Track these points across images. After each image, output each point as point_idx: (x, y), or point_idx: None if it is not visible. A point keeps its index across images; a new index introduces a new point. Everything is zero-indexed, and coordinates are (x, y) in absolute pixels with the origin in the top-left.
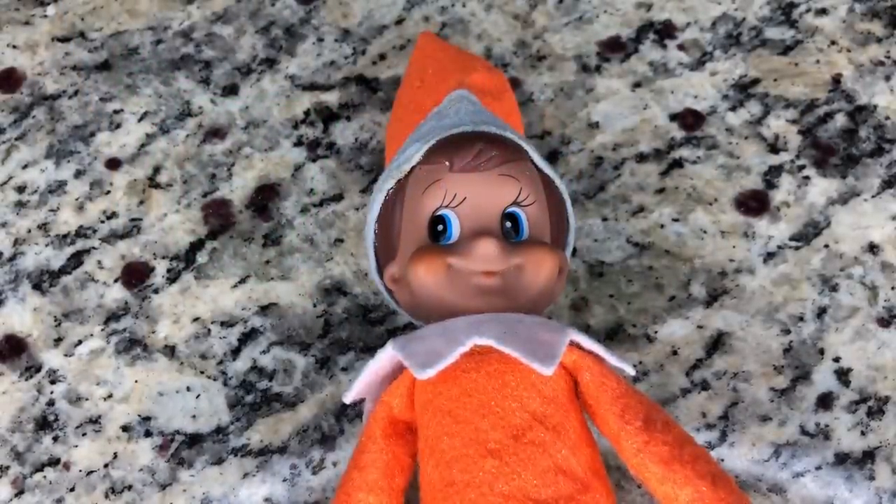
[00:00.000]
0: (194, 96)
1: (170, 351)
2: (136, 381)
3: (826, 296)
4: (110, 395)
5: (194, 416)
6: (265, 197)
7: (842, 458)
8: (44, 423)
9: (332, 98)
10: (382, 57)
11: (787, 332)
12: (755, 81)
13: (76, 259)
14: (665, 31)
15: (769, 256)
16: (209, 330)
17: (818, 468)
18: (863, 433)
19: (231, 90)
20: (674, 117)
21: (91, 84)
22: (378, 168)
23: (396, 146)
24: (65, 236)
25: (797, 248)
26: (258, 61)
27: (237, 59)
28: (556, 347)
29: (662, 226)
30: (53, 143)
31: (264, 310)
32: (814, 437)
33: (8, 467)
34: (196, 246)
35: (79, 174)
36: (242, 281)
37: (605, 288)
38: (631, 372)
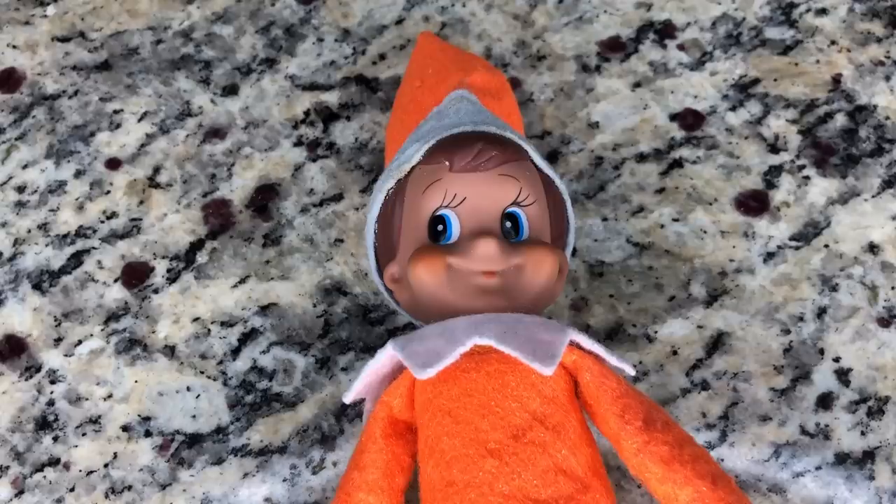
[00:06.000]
0: (194, 96)
1: (170, 351)
2: (136, 381)
3: (826, 296)
4: (110, 395)
5: (194, 416)
6: (265, 197)
7: (842, 458)
8: (44, 423)
9: (332, 98)
10: (382, 57)
11: (787, 332)
12: (755, 81)
13: (76, 259)
14: (665, 31)
15: (769, 256)
16: (209, 330)
17: (818, 468)
18: (863, 433)
19: (231, 90)
20: (674, 117)
21: (91, 84)
22: (378, 168)
23: (396, 146)
24: (65, 236)
25: (797, 248)
26: (258, 61)
27: (237, 59)
28: (556, 347)
29: (662, 226)
30: (53, 143)
31: (264, 310)
32: (814, 437)
33: (8, 467)
34: (196, 246)
35: (79, 174)
36: (242, 281)
37: (605, 288)
38: (631, 372)
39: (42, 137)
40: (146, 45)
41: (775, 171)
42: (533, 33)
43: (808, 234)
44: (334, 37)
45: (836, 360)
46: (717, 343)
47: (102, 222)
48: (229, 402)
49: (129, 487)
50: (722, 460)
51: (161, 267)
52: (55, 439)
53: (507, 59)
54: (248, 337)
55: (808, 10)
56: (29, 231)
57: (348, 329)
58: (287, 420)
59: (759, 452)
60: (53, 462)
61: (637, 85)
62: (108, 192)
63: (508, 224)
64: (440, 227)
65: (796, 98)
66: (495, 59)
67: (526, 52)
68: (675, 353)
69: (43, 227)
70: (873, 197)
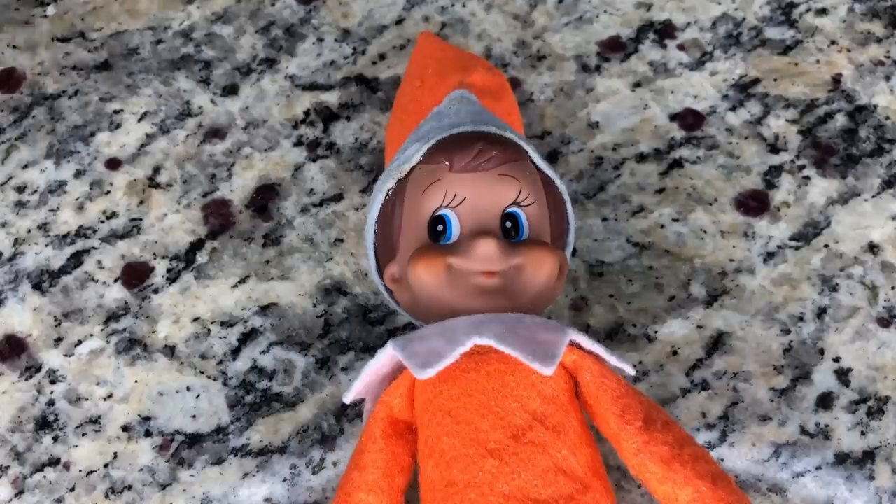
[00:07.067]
0: (194, 96)
1: (170, 351)
2: (136, 381)
3: (826, 296)
4: (110, 395)
5: (194, 416)
6: (265, 197)
7: (842, 458)
8: (44, 423)
9: (332, 98)
10: (382, 57)
11: (787, 332)
12: (755, 81)
13: (76, 259)
14: (665, 31)
15: (769, 256)
16: (209, 330)
17: (818, 468)
18: (863, 433)
19: (231, 90)
20: (674, 117)
21: (91, 84)
22: (378, 168)
23: (396, 146)
24: (65, 236)
25: (797, 248)
26: (258, 61)
27: (237, 59)
28: (556, 347)
29: (662, 226)
30: (53, 143)
31: (264, 310)
32: (814, 437)
33: (8, 467)
34: (196, 246)
35: (79, 174)
36: (242, 281)
37: (605, 288)
38: (631, 372)
39: (42, 137)
40: (146, 45)
41: (775, 171)
42: (533, 33)
43: (808, 234)
44: (334, 37)
45: (836, 360)
46: (717, 343)
47: (102, 222)
48: (229, 402)
49: (129, 487)
50: (722, 460)
51: (161, 267)
52: (55, 439)
53: (507, 59)
54: (248, 337)
55: (808, 10)
56: (29, 231)
57: (348, 329)
58: (287, 420)
59: (759, 452)
60: (53, 462)
61: (637, 85)
62: (108, 192)
63: (508, 224)
64: (440, 227)
65: (796, 98)
66: (495, 59)
67: (526, 52)
68: (675, 353)
69: (43, 227)
70: (873, 197)
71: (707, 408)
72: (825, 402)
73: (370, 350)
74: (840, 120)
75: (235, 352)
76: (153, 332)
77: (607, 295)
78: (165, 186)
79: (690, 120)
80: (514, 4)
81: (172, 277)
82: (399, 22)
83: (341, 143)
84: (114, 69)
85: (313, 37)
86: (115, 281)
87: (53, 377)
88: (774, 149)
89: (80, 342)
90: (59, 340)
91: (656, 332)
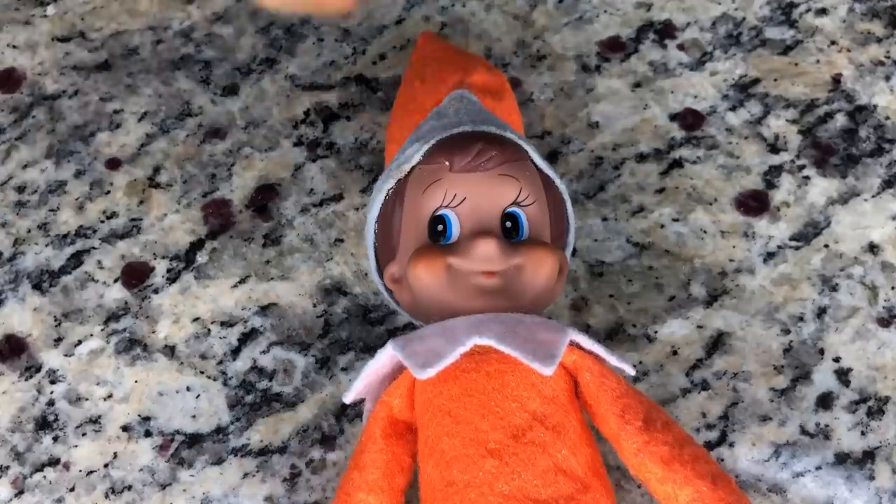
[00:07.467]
0: (194, 96)
1: (170, 351)
2: (136, 381)
3: (826, 296)
4: (110, 395)
5: (194, 416)
6: (265, 197)
7: (842, 458)
8: (44, 423)
9: (332, 98)
10: (382, 57)
11: (787, 332)
12: (755, 81)
13: (76, 259)
14: (665, 31)
15: (769, 256)
16: (209, 330)
17: (818, 468)
18: (863, 433)
19: (231, 90)
20: (674, 117)
21: (91, 84)
22: (378, 168)
23: (396, 146)
24: (65, 236)
25: (797, 248)
26: (258, 61)
27: (237, 59)
28: (556, 347)
29: (662, 226)
30: (53, 143)
31: (264, 310)
32: (814, 437)
33: (8, 467)
34: (196, 246)
35: (79, 174)
36: (242, 281)
37: (605, 288)
38: (631, 372)
39: (42, 137)
40: (146, 45)
41: (775, 171)
42: (533, 33)
43: (808, 234)
44: (334, 37)
45: (836, 360)
46: (717, 343)
47: (102, 222)
48: (229, 402)
49: (129, 487)
50: (722, 460)
51: (161, 267)
52: (55, 439)
53: (507, 59)
54: (248, 337)
55: (808, 10)
56: (29, 231)
57: (348, 329)
58: (287, 420)
59: (759, 452)
60: (53, 462)
61: (637, 85)
62: (108, 192)
63: (508, 224)
64: (440, 227)
65: (796, 98)
66: (495, 59)
67: (526, 52)
68: (675, 353)
69: (43, 227)
70: (873, 197)
71: (707, 408)
72: (825, 402)
73: (370, 350)
74: (840, 120)
75: (235, 352)
76: (153, 332)
77: (607, 295)
78: (165, 186)
79: (690, 120)
80: (514, 4)
81: (172, 277)
82: (399, 22)
83: (341, 143)
84: (114, 69)
85: (313, 37)
86: (115, 281)
87: (53, 377)
88: (774, 149)
89: (80, 342)
90: (59, 340)
91: (656, 332)
